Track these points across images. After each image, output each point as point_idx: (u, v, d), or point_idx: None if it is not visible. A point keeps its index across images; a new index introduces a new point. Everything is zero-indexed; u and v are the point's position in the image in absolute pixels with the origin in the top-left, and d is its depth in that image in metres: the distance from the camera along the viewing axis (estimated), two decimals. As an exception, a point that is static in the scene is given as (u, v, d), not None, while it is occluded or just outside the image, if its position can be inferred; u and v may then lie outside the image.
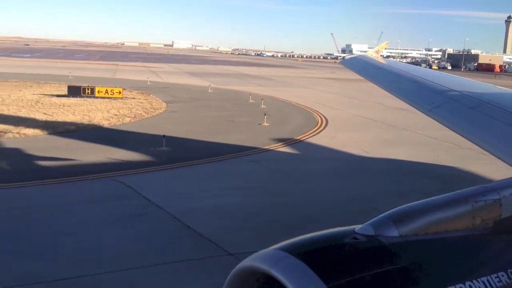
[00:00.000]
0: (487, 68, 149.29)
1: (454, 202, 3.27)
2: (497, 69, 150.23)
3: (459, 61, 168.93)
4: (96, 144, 22.03)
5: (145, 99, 39.27)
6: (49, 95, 39.95)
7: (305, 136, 26.26)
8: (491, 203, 3.35)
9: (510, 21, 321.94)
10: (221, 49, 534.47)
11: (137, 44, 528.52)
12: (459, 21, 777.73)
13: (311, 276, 2.49)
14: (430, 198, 3.30)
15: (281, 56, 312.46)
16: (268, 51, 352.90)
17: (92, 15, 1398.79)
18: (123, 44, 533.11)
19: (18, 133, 24.07)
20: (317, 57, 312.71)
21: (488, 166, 16.35)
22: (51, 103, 35.21)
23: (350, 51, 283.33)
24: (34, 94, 39.99)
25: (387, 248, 2.81)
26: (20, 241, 11.41)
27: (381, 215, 3.03)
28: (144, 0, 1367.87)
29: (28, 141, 22.55)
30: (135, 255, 10.84)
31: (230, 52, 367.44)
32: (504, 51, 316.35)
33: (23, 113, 30.50)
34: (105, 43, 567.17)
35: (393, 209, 3.12)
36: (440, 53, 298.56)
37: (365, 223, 2.95)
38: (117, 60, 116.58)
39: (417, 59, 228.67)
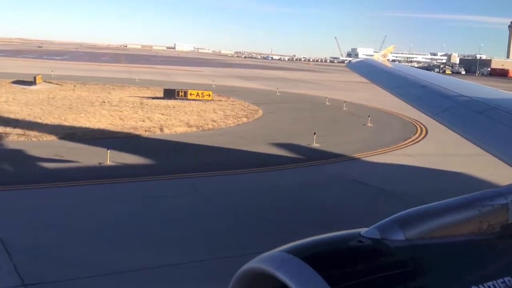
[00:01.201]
0: (501, 73, 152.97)
1: (461, 207, 3.26)
2: (511, 74, 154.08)
3: (471, 66, 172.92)
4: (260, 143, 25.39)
5: (232, 102, 42.43)
6: (145, 97, 43.26)
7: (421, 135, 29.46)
8: (498, 208, 3.32)
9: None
10: (223, 52, 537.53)
11: (139, 47, 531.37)
12: (463, 26, 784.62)
13: (317, 278, 2.50)
14: (436, 202, 3.30)
15: (288, 59, 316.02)
16: (275, 55, 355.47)
17: (94, 18, 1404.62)
18: (126, 46, 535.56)
19: (174, 131, 27.46)
20: (323, 60, 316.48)
21: None
22: (155, 105, 38.39)
23: (356, 55, 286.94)
24: (130, 96, 43.24)
25: (393, 252, 2.81)
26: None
27: (387, 218, 3.04)
28: (147, 3, 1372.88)
29: (198, 136, 26.03)
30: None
31: (236, 55, 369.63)
32: (508, 56, 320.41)
33: (143, 113, 33.71)
34: (108, 45, 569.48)
35: (400, 213, 3.12)
36: (446, 57, 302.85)
37: (371, 227, 2.96)
38: (151, 63, 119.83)
39: (428, 63, 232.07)
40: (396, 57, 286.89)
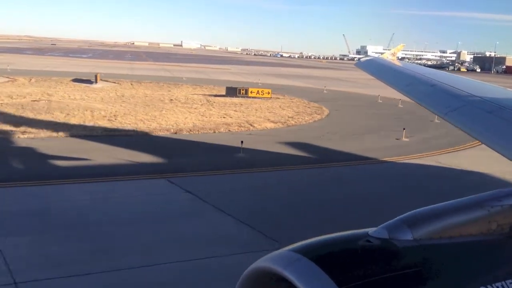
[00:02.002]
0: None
1: (470, 207, 3.25)
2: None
3: (485, 64, 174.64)
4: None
5: (291, 100, 44.50)
6: (206, 95, 45.40)
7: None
8: (507, 208, 3.31)
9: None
10: (230, 49, 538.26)
11: (147, 44, 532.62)
12: (471, 24, 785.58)
13: (324, 278, 2.51)
14: (445, 202, 3.31)
15: (298, 57, 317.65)
16: (285, 52, 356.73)
17: (100, 15, 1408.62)
18: (133, 43, 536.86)
19: (265, 126, 29.59)
20: (332, 58, 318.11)
21: None
22: (222, 102, 40.50)
23: (365, 53, 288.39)
24: (192, 94, 45.40)
25: (401, 252, 2.81)
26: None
27: (396, 218, 3.05)
28: (153, 0, 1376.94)
29: (290, 131, 28.08)
30: None
31: (245, 53, 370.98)
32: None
33: (218, 110, 35.75)
34: (115, 42, 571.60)
35: (408, 213, 3.12)
36: (455, 55, 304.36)
37: (379, 226, 2.97)
38: (178, 61, 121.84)
39: (440, 61, 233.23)
40: (406, 54, 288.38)
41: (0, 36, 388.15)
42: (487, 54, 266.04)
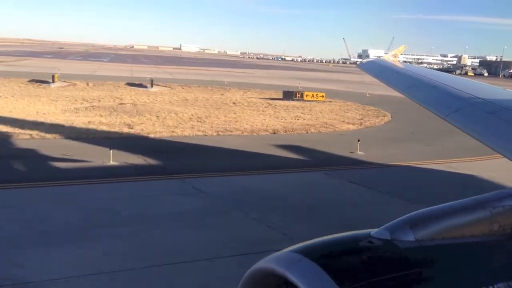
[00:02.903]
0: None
1: (472, 208, 3.28)
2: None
3: (490, 68, 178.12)
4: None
5: (345, 103, 46.97)
6: (264, 98, 47.93)
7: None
8: (509, 209, 3.33)
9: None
10: (229, 52, 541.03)
11: (146, 47, 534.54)
12: (470, 27, 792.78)
13: (326, 279, 2.52)
14: (447, 203, 3.34)
15: (301, 60, 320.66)
16: (288, 56, 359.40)
17: (99, 18, 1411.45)
18: (133, 46, 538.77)
19: (347, 128, 32.12)
20: (335, 62, 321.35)
21: None
22: (283, 105, 42.91)
23: (367, 56, 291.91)
24: (250, 98, 47.90)
25: (403, 253, 2.83)
26: None
27: (398, 219, 3.07)
28: (152, 4, 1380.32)
29: (376, 131, 30.34)
30: None
31: (248, 56, 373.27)
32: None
33: (287, 113, 38.17)
34: (114, 45, 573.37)
35: (410, 213, 3.15)
36: (456, 59, 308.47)
37: (381, 227, 3.00)
38: (200, 65, 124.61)
39: (445, 66, 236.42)
40: (407, 58, 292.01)
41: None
42: (488, 58, 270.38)
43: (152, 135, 25.93)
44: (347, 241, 2.93)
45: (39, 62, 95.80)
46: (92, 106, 36.09)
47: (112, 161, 18.91)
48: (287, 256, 2.72)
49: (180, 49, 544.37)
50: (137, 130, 27.25)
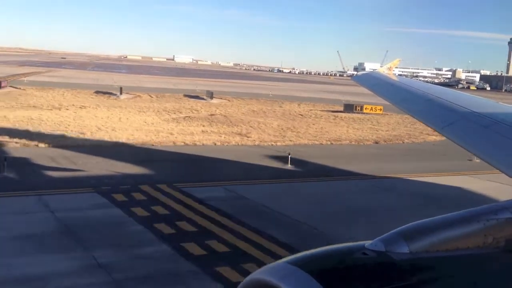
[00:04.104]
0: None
1: (466, 220, 3.29)
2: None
3: (491, 82, 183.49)
4: None
5: (401, 116, 50.08)
6: (325, 110, 51.12)
7: None
8: (503, 222, 3.35)
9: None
10: (222, 64, 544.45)
11: (140, 58, 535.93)
12: (463, 42, 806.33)
13: None
14: (441, 216, 3.33)
15: (298, 72, 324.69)
16: (285, 68, 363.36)
17: (93, 28, 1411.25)
18: (126, 57, 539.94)
19: (433, 139, 35.31)
20: (333, 74, 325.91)
21: None
22: (349, 117, 46.03)
23: (363, 69, 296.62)
24: (311, 110, 50.99)
25: (397, 265, 2.83)
26: None
27: (392, 231, 3.08)
28: (145, 14, 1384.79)
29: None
30: None
31: (244, 68, 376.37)
32: (507, 72, 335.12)
33: (359, 126, 41.35)
34: (107, 56, 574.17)
35: (404, 226, 3.16)
36: (450, 73, 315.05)
37: (375, 239, 2.99)
38: (225, 78, 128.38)
39: (446, 79, 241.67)
40: (403, 71, 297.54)
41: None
42: (482, 72, 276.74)
43: (278, 144, 28.81)
44: (341, 253, 2.96)
45: (71, 73, 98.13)
46: (189, 117, 38.93)
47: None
48: (282, 268, 2.75)
49: (173, 60, 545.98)
50: (253, 139, 30.07)
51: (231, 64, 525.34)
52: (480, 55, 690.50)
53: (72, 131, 28.67)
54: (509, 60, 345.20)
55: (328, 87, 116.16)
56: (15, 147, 22.73)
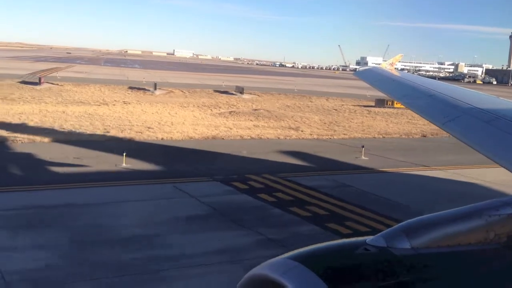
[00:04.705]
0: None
1: (468, 216, 3.33)
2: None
3: (497, 76, 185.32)
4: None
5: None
6: (357, 105, 52.69)
7: None
8: (505, 218, 3.37)
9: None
10: (222, 58, 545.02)
11: (140, 52, 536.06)
12: (465, 36, 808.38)
13: (321, 286, 2.56)
14: (443, 211, 3.38)
15: (301, 67, 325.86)
16: (288, 62, 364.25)
17: (93, 22, 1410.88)
18: (126, 51, 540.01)
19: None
20: (336, 68, 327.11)
21: None
22: (381, 112, 47.57)
23: (366, 64, 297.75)
24: (342, 105, 52.56)
25: (399, 260, 2.86)
26: None
27: (394, 226, 3.14)
28: (145, 8, 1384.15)
29: None
30: None
31: (247, 63, 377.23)
32: (509, 65, 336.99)
33: (395, 119, 42.90)
34: (107, 50, 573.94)
35: (406, 221, 3.22)
36: (453, 67, 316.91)
37: (377, 235, 3.05)
38: (236, 73, 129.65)
39: (447, 73, 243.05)
40: (405, 66, 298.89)
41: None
42: (484, 66, 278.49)
43: (335, 137, 30.44)
44: (343, 248, 2.97)
45: (89, 69, 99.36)
46: (234, 112, 40.45)
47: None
48: (283, 263, 2.75)
49: (173, 54, 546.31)
50: (308, 133, 31.63)
51: (231, 59, 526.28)
52: (482, 49, 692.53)
53: (139, 126, 30.11)
54: (510, 54, 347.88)
55: (342, 82, 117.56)
56: (115, 138, 24.45)
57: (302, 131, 32.27)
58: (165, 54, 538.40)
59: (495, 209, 3.44)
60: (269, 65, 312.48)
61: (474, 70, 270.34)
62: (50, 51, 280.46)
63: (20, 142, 22.46)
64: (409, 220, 3.26)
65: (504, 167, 5.27)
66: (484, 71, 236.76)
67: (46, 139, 23.42)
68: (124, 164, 18.73)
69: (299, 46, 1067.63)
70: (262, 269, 2.83)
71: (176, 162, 20.59)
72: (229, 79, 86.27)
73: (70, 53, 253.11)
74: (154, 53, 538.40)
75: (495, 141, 6.00)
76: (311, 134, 31.01)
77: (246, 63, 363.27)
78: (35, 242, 10.87)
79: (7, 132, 24.51)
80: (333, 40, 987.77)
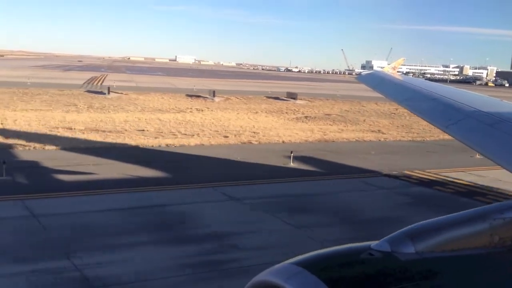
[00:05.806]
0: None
1: (472, 220, 3.34)
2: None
3: (508, 79, 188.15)
4: None
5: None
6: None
7: None
8: (509, 221, 3.36)
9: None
10: (224, 64, 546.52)
11: (142, 59, 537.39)
12: (469, 39, 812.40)
13: None
14: (447, 215, 3.39)
15: (307, 71, 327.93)
16: (293, 67, 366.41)
17: (95, 30, 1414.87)
18: (129, 58, 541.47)
19: None
20: (341, 72, 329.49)
21: None
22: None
23: (371, 67, 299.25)
24: (398, 109, 55.07)
25: (403, 265, 2.87)
26: None
27: (398, 231, 3.13)
28: (147, 15, 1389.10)
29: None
30: None
31: (253, 68, 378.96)
32: (511, 67, 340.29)
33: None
34: (110, 57, 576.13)
35: (410, 226, 3.21)
36: (458, 69, 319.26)
37: (381, 239, 3.05)
38: (268, 79, 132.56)
39: (466, 75, 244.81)
40: (410, 69, 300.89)
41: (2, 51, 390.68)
42: (489, 68, 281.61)
43: (428, 139, 33.13)
44: (347, 254, 3.01)
45: (125, 77, 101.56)
46: (310, 116, 43.19)
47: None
48: (287, 268, 2.78)
49: (175, 60, 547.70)
50: (393, 136, 34.33)
51: (233, 64, 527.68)
52: (486, 51, 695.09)
53: (244, 132, 32.51)
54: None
55: (361, 86, 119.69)
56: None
57: (383, 133, 34.85)
58: (167, 61, 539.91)
59: (499, 212, 3.46)
60: (274, 70, 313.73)
61: (479, 73, 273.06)
62: (60, 59, 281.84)
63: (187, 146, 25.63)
64: (413, 225, 3.31)
65: (508, 170, 5.36)
66: (488, 73, 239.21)
67: (212, 142, 26.97)
68: (291, 164, 21.48)
69: (301, 50, 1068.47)
70: (266, 275, 2.88)
71: (333, 160, 23.20)
72: (260, 85, 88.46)
73: (81, 61, 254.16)
74: (156, 60, 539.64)
75: (498, 144, 6.04)
76: (396, 136, 33.73)
77: (251, 68, 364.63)
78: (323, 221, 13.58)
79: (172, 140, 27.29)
80: (336, 44, 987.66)
